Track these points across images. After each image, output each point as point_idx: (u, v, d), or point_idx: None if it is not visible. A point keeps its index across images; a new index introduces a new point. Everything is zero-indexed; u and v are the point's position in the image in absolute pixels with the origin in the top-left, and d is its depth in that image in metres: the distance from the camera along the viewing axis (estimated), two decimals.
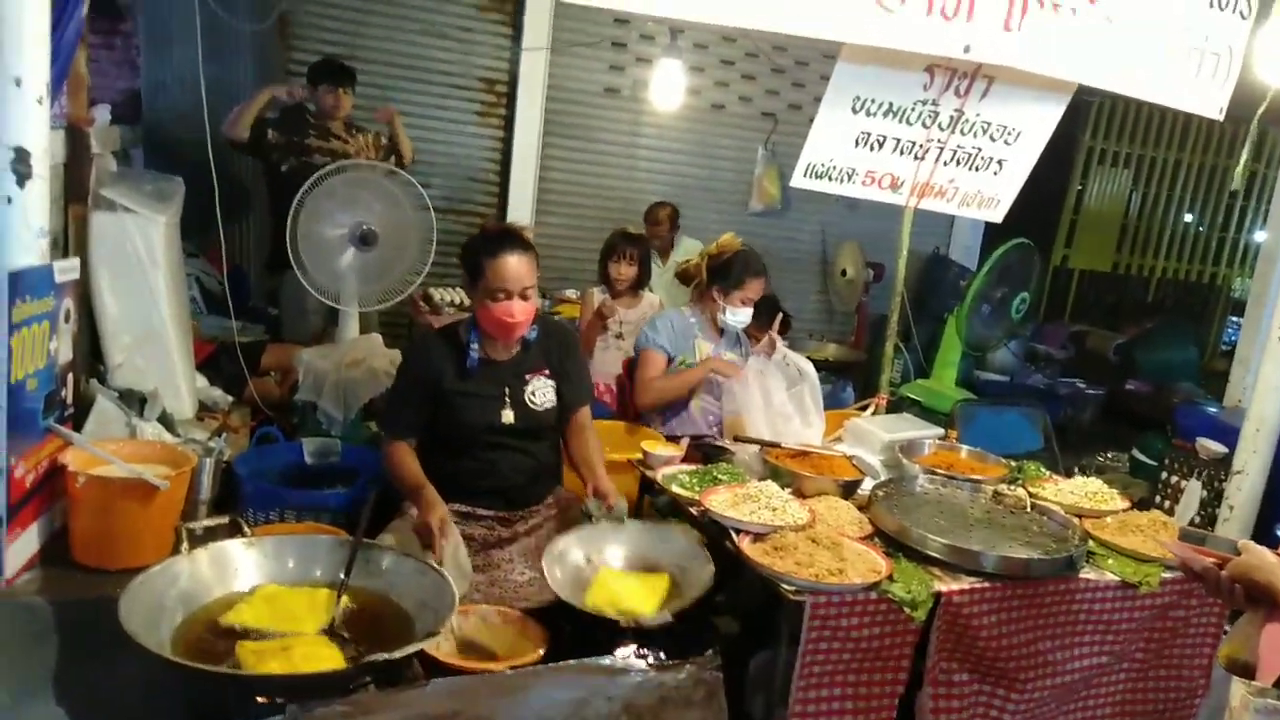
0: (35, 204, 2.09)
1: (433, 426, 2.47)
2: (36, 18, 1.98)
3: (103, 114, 3.10)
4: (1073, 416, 5.75)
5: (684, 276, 3.46)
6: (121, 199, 2.81)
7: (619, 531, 2.30)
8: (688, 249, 4.93)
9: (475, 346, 2.46)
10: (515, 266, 2.35)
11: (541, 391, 2.51)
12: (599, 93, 5.69)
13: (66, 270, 2.25)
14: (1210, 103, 3.01)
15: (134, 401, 2.70)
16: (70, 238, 2.72)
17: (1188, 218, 8.02)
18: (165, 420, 2.74)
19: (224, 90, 4.48)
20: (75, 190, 2.74)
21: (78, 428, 2.34)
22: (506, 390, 2.46)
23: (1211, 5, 2.86)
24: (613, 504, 2.36)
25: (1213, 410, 4.40)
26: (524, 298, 2.36)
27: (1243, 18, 2.93)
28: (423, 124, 5.32)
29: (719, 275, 3.28)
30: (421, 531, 2.17)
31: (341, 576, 1.91)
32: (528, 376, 2.50)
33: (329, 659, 1.68)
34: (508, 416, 2.45)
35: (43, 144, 2.07)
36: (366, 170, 3.23)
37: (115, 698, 1.64)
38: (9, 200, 2.00)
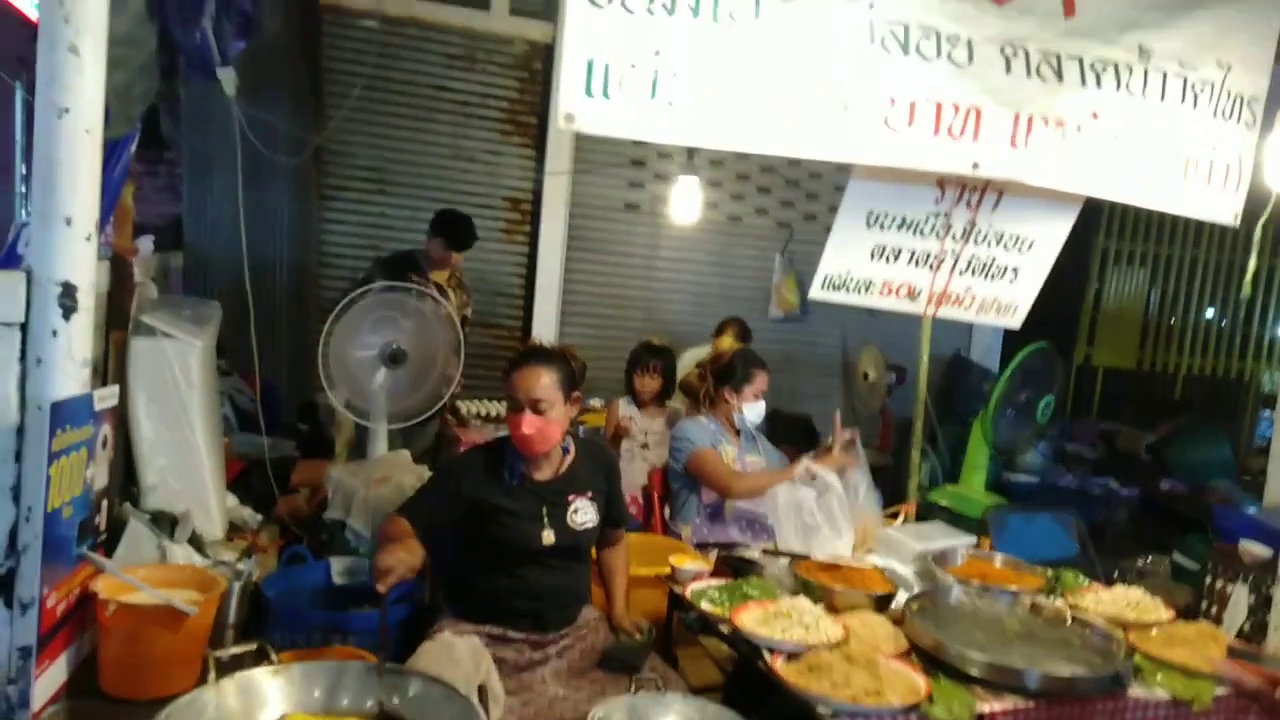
0: (79, 336, 2.15)
1: (473, 544, 2.47)
2: (90, 162, 2.08)
3: (146, 245, 3.24)
4: (1108, 518, 5.62)
5: (687, 389, 3.53)
6: (161, 324, 2.90)
7: (666, 707, 2.16)
8: None
9: (515, 464, 2.47)
10: (525, 378, 2.38)
11: (584, 511, 2.50)
12: (620, 208, 5.86)
13: (106, 398, 2.31)
14: (1224, 210, 3.06)
15: (165, 524, 2.73)
16: (110, 363, 2.80)
17: (1209, 313, 8.02)
18: (196, 542, 2.76)
19: (260, 214, 4.69)
20: (117, 317, 2.84)
21: (109, 552, 2.35)
22: (547, 510, 2.46)
23: (1216, 115, 2.94)
24: (634, 632, 2.47)
25: (1252, 510, 4.30)
26: (535, 411, 2.36)
27: (1249, 128, 3.00)
28: None
29: (725, 377, 3.40)
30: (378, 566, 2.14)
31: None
32: (570, 497, 2.50)
33: None
34: (548, 537, 2.43)
35: (89, 278, 2.15)
36: (397, 291, 3.33)
37: None
38: (55, 333, 2.06)
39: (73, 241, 2.07)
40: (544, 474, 2.50)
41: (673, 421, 3.93)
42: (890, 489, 4.97)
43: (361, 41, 5.00)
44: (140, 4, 2.51)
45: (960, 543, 2.96)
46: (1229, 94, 2.93)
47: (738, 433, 3.45)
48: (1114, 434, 7.17)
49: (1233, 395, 8.27)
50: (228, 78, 2.78)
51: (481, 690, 2.27)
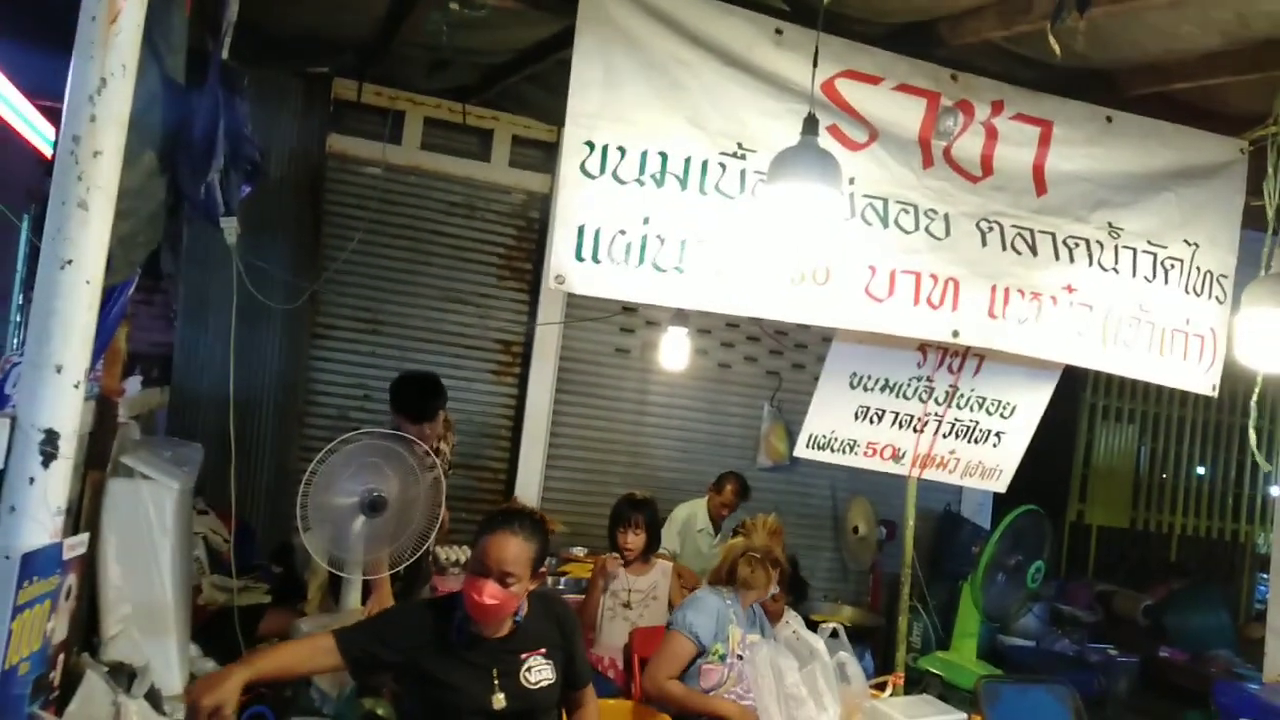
0: (57, 483, 2.13)
1: (420, 710, 2.35)
2: (87, 311, 2.11)
3: (134, 385, 3.25)
4: (1107, 688, 5.43)
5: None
6: (140, 466, 2.88)
7: None
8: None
9: (462, 619, 2.31)
10: (500, 547, 2.25)
11: (539, 670, 2.37)
12: (610, 353, 5.93)
13: (75, 546, 2.26)
14: (1201, 381, 3.12)
15: (124, 677, 2.63)
16: (84, 504, 2.76)
17: (1200, 470, 8.01)
18: (153, 697, 2.65)
19: (251, 353, 4.73)
20: (97, 458, 2.82)
21: (62, 707, 2.26)
22: (497, 671, 2.31)
23: (1187, 291, 3.04)
24: None
25: (1254, 687, 4.17)
26: (502, 582, 2.24)
27: (1219, 303, 3.10)
28: None
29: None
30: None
31: None
32: (523, 655, 2.36)
33: None
34: (499, 700, 2.28)
35: (73, 424, 2.14)
36: (377, 438, 3.32)
37: None
38: (31, 480, 2.04)
39: (61, 390, 2.07)
40: (492, 633, 2.34)
41: (658, 580, 3.84)
42: (882, 650, 4.83)
43: (364, 187, 5.18)
44: (153, 158, 2.61)
45: (950, 719, 2.85)
46: (1199, 270, 3.04)
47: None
48: (1110, 596, 7.02)
49: (1228, 556, 8.15)
50: (229, 227, 2.85)
51: None
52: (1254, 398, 2.78)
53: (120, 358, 3.13)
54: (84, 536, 2.41)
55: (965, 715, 2.96)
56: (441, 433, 4.05)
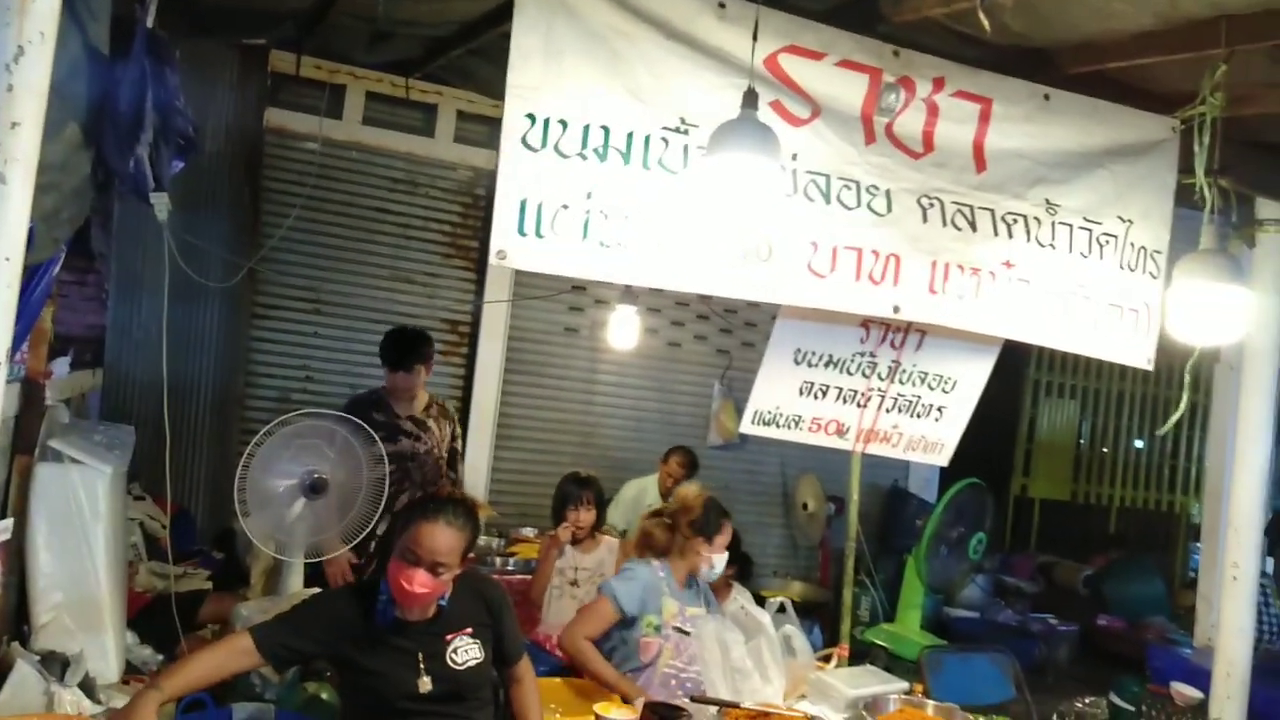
0: None
1: (349, 698, 2.33)
2: (7, 291, 2.03)
3: (61, 368, 3.15)
4: (1048, 656, 5.58)
5: (650, 543, 3.26)
6: (70, 450, 2.79)
7: None
8: None
9: (385, 603, 2.28)
10: (434, 537, 2.20)
11: (465, 649, 2.33)
12: (559, 332, 5.90)
13: (1, 531, 2.20)
14: (1137, 354, 3.19)
15: (56, 666, 2.56)
16: (11, 491, 2.68)
17: (1138, 444, 8.25)
18: (87, 686, 2.58)
19: (187, 333, 4.61)
20: (24, 442, 2.73)
21: None
22: (422, 655, 2.28)
23: (1122, 267, 3.11)
24: None
25: (1185, 651, 4.32)
26: (433, 571, 2.21)
27: (1153, 278, 3.17)
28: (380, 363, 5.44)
29: (700, 529, 3.12)
30: None
31: None
32: (448, 636, 2.33)
33: None
34: (425, 684, 2.25)
35: None
36: (320, 417, 3.26)
37: None
38: None
39: None
40: (417, 615, 2.31)
41: (604, 557, 3.83)
42: (830, 625, 4.90)
43: (303, 163, 5.05)
44: (77, 130, 2.51)
45: (893, 689, 2.91)
46: (1133, 246, 3.11)
47: (686, 585, 3.20)
48: (1052, 567, 7.21)
49: (1165, 527, 8.42)
50: (160, 202, 2.76)
51: None
52: (1188, 367, 2.85)
53: (46, 339, 3.03)
54: (8, 522, 2.35)
55: (908, 685, 3.01)
56: (440, 406, 4.11)
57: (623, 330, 5.47)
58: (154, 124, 2.73)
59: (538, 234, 2.44)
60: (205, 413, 4.64)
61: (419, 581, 2.20)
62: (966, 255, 2.84)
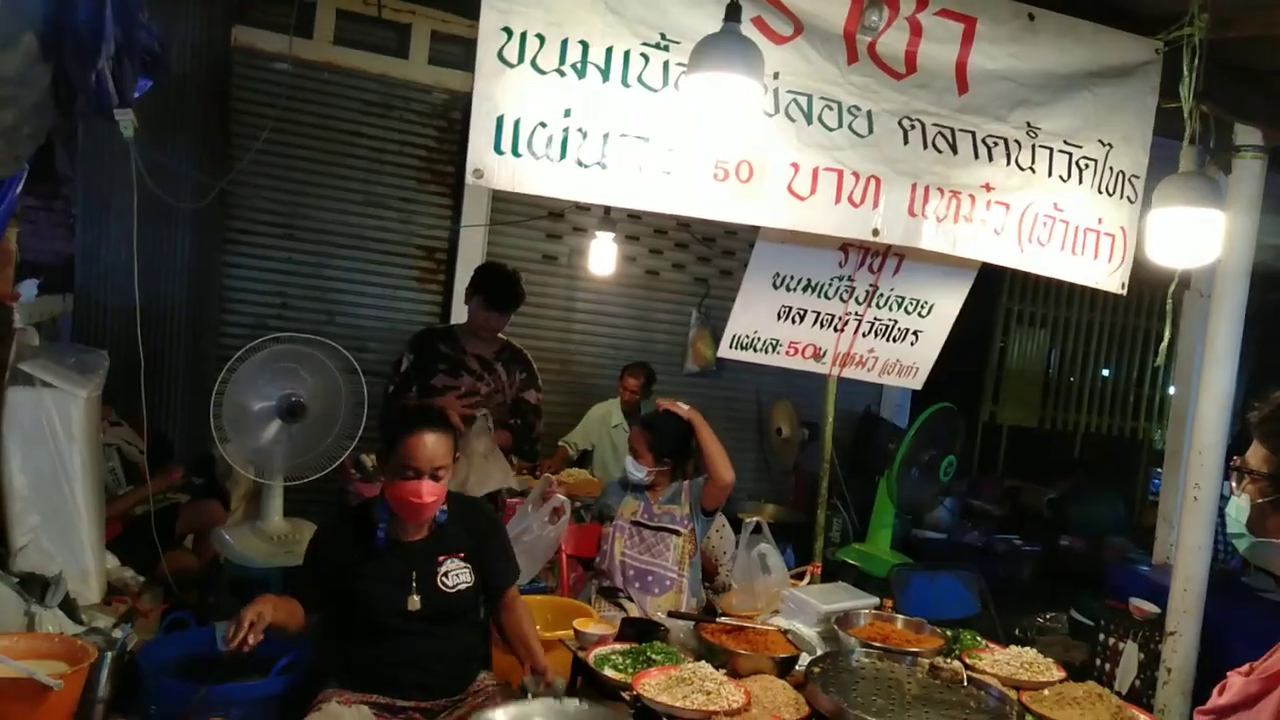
0: None
1: (343, 611, 2.37)
2: None
3: (29, 290, 3.09)
4: (1011, 575, 5.76)
5: None
6: (41, 374, 2.76)
7: (554, 710, 2.20)
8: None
9: (384, 526, 2.37)
10: (429, 446, 2.29)
11: (456, 574, 2.41)
12: (537, 259, 5.85)
13: None
14: (1111, 279, 3.22)
15: (35, 587, 2.57)
16: None
17: (1105, 372, 8.39)
18: (68, 607, 2.61)
19: (159, 257, 4.52)
20: None
21: None
22: (415, 574, 2.36)
23: (1100, 192, 3.11)
24: (550, 680, 2.28)
25: (1144, 569, 4.46)
26: (434, 478, 2.30)
27: (1130, 202, 3.17)
28: (359, 289, 5.39)
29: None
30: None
31: None
32: (440, 558, 2.41)
33: None
34: (414, 603, 2.34)
35: None
36: (296, 341, 3.23)
37: None
38: None
39: None
40: (413, 535, 2.41)
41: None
42: (802, 546, 5.02)
43: (273, 84, 4.90)
44: (34, 43, 2.42)
45: (863, 604, 2.98)
46: (1111, 170, 3.10)
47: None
48: (1018, 490, 7.39)
49: (1128, 453, 8.62)
50: (125, 119, 2.68)
51: None
52: (1170, 291, 2.88)
53: (12, 260, 2.97)
54: None
55: (878, 600, 3.09)
56: (513, 350, 3.90)
57: (601, 257, 5.44)
58: (116, 37, 2.64)
59: (514, 152, 2.40)
60: (180, 339, 4.58)
61: (426, 491, 2.29)
62: (947, 178, 2.83)
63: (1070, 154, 2.99)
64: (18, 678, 1.92)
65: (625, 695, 2.34)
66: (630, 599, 3.28)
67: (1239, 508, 1.73)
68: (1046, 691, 2.50)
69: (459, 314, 5.53)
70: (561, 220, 5.81)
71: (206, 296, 4.86)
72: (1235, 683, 1.73)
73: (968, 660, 2.67)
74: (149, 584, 3.14)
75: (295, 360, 3.16)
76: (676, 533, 3.32)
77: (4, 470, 2.68)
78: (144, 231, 3.04)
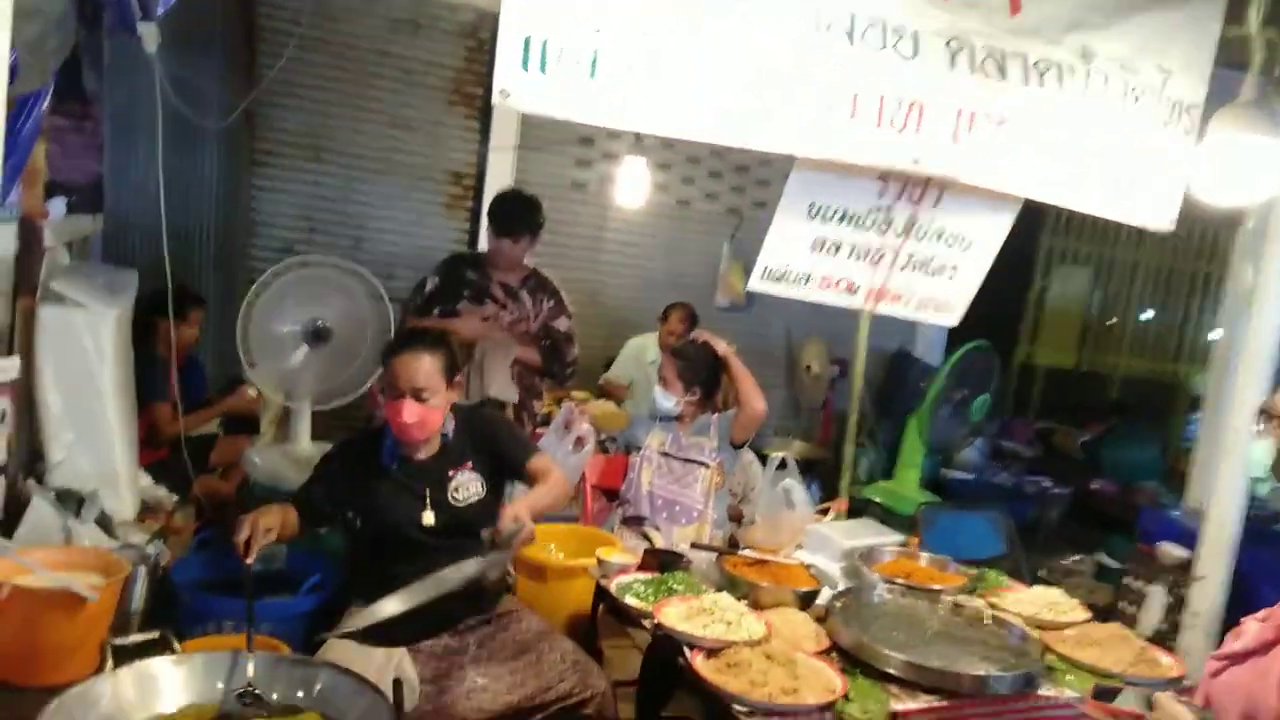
0: None
1: (362, 532, 2.42)
2: None
3: (58, 207, 3.09)
4: (1040, 517, 5.72)
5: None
6: (71, 293, 2.77)
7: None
8: None
9: (390, 445, 2.43)
10: (406, 365, 2.32)
11: (465, 486, 2.44)
12: (566, 187, 5.77)
13: (5, 370, 2.20)
14: (1160, 216, 3.09)
15: (72, 502, 2.62)
16: (16, 332, 2.67)
17: (1146, 315, 8.21)
18: (103, 522, 2.65)
19: (186, 179, 4.51)
20: (25, 283, 2.70)
21: (9, 531, 2.26)
22: (427, 490, 2.40)
23: (1155, 121, 2.96)
24: (502, 527, 2.19)
25: (1175, 513, 4.40)
26: (417, 399, 2.32)
27: (1185, 134, 3.02)
28: (386, 215, 5.36)
29: None
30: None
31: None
32: (450, 473, 2.44)
33: None
34: (428, 518, 2.38)
35: None
36: (323, 266, 3.22)
37: None
38: None
39: None
40: (422, 454, 2.45)
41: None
42: (828, 484, 5.01)
43: (299, 0, 4.82)
44: None
45: (888, 540, 2.97)
46: (1168, 100, 2.95)
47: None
48: (1050, 433, 7.30)
49: (1166, 397, 8.48)
50: (149, 33, 2.63)
51: (397, 682, 2.21)
52: (1245, 226, 2.74)
53: (40, 178, 2.95)
54: (14, 360, 2.34)
55: (903, 538, 3.08)
56: (540, 279, 3.79)
57: (631, 185, 5.34)
58: None
59: (542, 70, 2.31)
60: (208, 263, 4.60)
61: (407, 411, 2.31)
62: (993, 105, 2.70)
63: (1126, 81, 2.84)
64: (56, 589, 1.96)
65: (646, 624, 2.36)
66: (656, 528, 3.29)
67: (1262, 451, 1.69)
68: (1069, 631, 2.48)
69: (486, 243, 5.50)
70: (591, 146, 5.71)
71: (234, 219, 4.86)
72: (1251, 629, 1.70)
73: (991, 599, 2.65)
74: (181, 504, 3.19)
75: (321, 285, 3.15)
76: (705, 465, 3.31)
77: (38, 386, 2.70)
78: (170, 152, 3.02)
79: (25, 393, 2.63)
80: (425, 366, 2.33)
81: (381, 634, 2.25)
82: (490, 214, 3.63)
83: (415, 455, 2.44)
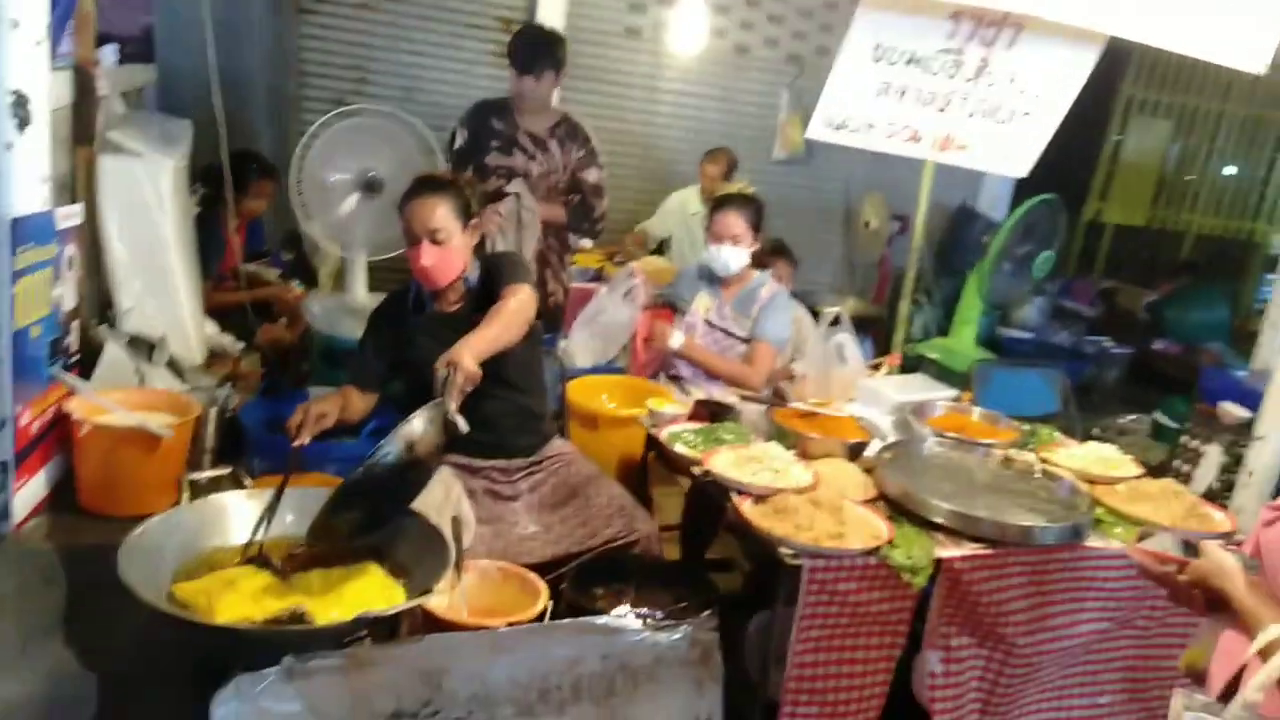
0: (36, 149, 2.07)
1: (407, 379, 2.50)
2: None
3: (109, 55, 3.06)
4: (1097, 376, 5.63)
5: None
6: (128, 142, 2.78)
7: None
8: None
9: (418, 295, 2.50)
10: (419, 210, 2.35)
11: None
12: (619, 33, 5.55)
13: (69, 216, 2.24)
14: (1253, 57, 2.87)
15: (143, 348, 2.71)
16: (78, 181, 2.71)
17: (1228, 170, 7.77)
18: (174, 367, 2.75)
19: (237, 29, 4.43)
20: (82, 133, 2.72)
21: (86, 374, 2.35)
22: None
23: None
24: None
25: (1240, 373, 4.30)
26: (434, 241, 2.35)
27: None
28: (435, 64, 5.23)
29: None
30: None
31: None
32: (476, 317, 2.36)
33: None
34: None
35: (43, 87, 2.05)
36: (374, 116, 3.18)
37: (120, 643, 1.67)
38: (9, 146, 1.98)
39: (21, 46, 1.96)
40: (451, 305, 2.50)
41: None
42: (882, 341, 4.97)
43: None
44: None
45: (940, 395, 2.96)
46: None
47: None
48: (1114, 292, 7.10)
49: (1240, 257, 8.14)
50: None
51: (455, 520, 2.31)
52: None
53: (90, 23, 2.91)
54: (77, 207, 2.38)
55: (956, 393, 3.06)
56: (572, 125, 3.66)
57: (688, 28, 5.10)
58: None
59: None
60: (260, 113, 4.56)
61: (425, 255, 2.36)
62: None
63: None
64: (132, 427, 2.06)
65: (695, 470, 2.41)
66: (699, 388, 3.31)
67: None
68: (1120, 486, 2.48)
69: None
70: None
71: (284, 71, 4.79)
72: None
73: (1042, 454, 2.65)
74: (247, 351, 3.29)
75: (372, 135, 3.12)
76: (745, 340, 3.27)
77: (104, 236, 2.76)
78: (219, 3, 2.95)
79: (92, 241, 2.69)
80: (437, 209, 2.35)
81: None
82: (510, 51, 3.47)
83: (443, 305, 2.49)
